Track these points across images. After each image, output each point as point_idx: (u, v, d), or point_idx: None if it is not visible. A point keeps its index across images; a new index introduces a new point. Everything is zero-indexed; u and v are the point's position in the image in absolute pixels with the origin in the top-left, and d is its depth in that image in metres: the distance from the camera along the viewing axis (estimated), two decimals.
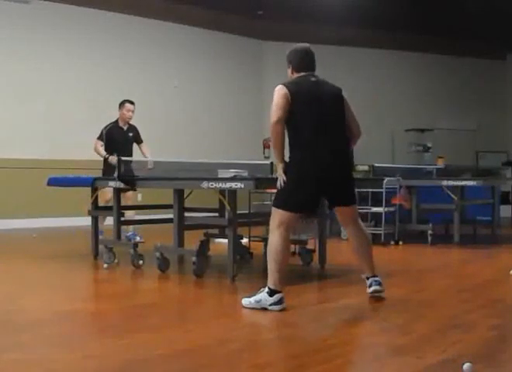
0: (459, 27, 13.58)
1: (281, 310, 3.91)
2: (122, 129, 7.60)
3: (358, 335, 3.59)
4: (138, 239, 6.99)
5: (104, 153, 7.36)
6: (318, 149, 4.02)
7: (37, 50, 10.85)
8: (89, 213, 6.41)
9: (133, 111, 7.58)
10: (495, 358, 2.98)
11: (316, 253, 5.81)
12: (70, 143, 10.64)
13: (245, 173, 5.21)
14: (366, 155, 10.69)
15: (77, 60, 11.22)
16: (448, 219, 8.44)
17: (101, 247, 6.22)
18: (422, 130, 14.53)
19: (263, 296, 3.95)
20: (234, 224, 4.98)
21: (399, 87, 14.80)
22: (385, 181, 7.58)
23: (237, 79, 13.64)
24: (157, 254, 5.49)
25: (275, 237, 4.00)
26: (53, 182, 6.69)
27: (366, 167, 9.73)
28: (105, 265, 5.84)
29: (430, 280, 5.36)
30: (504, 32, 13.63)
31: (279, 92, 4.03)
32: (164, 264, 5.51)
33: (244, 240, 6.39)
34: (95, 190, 6.33)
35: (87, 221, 6.59)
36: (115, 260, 5.98)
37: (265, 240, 5.28)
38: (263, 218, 5.26)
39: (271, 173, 4.59)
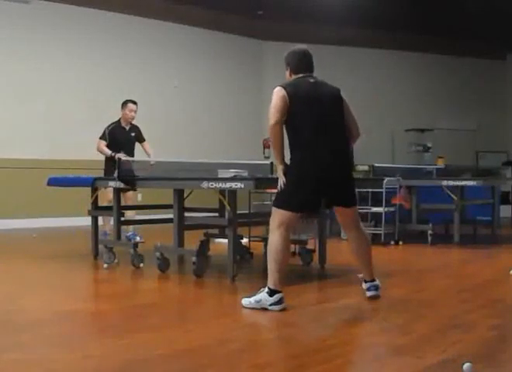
0: (459, 27, 13.58)
1: (281, 310, 3.91)
2: (125, 129, 7.59)
3: (358, 335, 3.59)
4: (138, 239, 6.99)
5: (109, 151, 7.30)
6: (318, 150, 4.01)
7: (37, 50, 10.85)
8: (89, 213, 6.41)
9: (135, 112, 7.57)
10: (495, 358, 2.98)
11: (316, 253, 5.81)
12: (70, 143, 10.65)
13: (245, 173, 5.21)
14: (366, 155, 10.70)
15: (77, 60, 11.22)
16: (448, 219, 8.44)
17: (101, 247, 6.22)
18: (422, 130, 14.53)
19: (263, 296, 3.95)
20: (234, 224, 4.98)
21: (399, 87, 14.80)
22: (385, 181, 7.57)
23: (237, 79, 13.64)
24: (157, 254, 5.49)
25: (275, 237, 4.00)
26: (53, 182, 6.70)
27: (366, 167, 9.74)
28: (105, 265, 5.84)
29: (430, 280, 5.36)
30: (504, 32, 13.63)
31: (277, 94, 4.02)
32: (164, 264, 5.51)
33: (244, 240, 6.39)
34: (95, 190, 6.33)
35: (87, 221, 6.59)
36: (115, 260, 5.98)
37: (265, 240, 5.28)
38: (263, 218, 5.26)
39: (271, 173, 4.59)
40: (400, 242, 7.79)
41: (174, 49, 12.71)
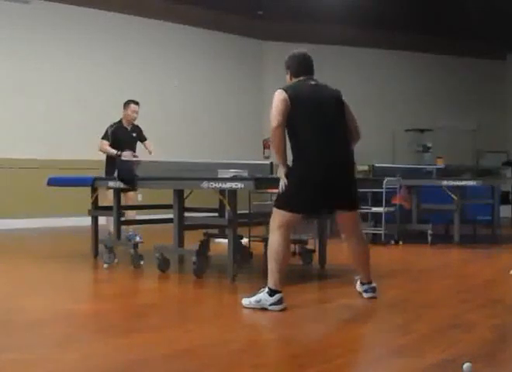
0: (459, 27, 13.58)
1: (281, 310, 3.91)
2: (127, 129, 7.55)
3: (358, 335, 3.58)
4: (138, 239, 6.98)
5: (113, 151, 7.21)
6: (319, 152, 4.00)
7: (37, 50, 10.85)
8: (89, 213, 6.41)
9: (137, 112, 7.54)
10: (495, 358, 2.98)
11: (316, 253, 5.81)
12: (70, 143, 10.65)
13: (245, 174, 5.21)
14: (366, 155, 10.67)
15: (77, 60, 11.22)
16: (448, 219, 8.44)
17: (101, 247, 6.22)
18: (422, 130, 14.53)
19: (263, 296, 3.95)
20: (234, 224, 4.98)
21: (399, 87, 14.80)
22: (385, 181, 7.57)
23: (237, 79, 13.64)
24: (157, 254, 5.49)
25: (275, 237, 4.00)
26: (53, 182, 6.70)
27: (366, 167, 9.73)
28: (105, 265, 5.84)
29: (430, 280, 5.36)
30: (504, 32, 13.64)
31: (278, 97, 4.01)
32: (164, 264, 5.51)
33: (244, 240, 6.39)
34: (94, 190, 6.33)
35: (87, 221, 6.58)
36: (115, 260, 5.98)
37: (265, 240, 5.27)
38: (263, 218, 5.26)
39: (271, 173, 4.59)
40: (400, 242, 7.79)
41: (174, 49, 12.71)
